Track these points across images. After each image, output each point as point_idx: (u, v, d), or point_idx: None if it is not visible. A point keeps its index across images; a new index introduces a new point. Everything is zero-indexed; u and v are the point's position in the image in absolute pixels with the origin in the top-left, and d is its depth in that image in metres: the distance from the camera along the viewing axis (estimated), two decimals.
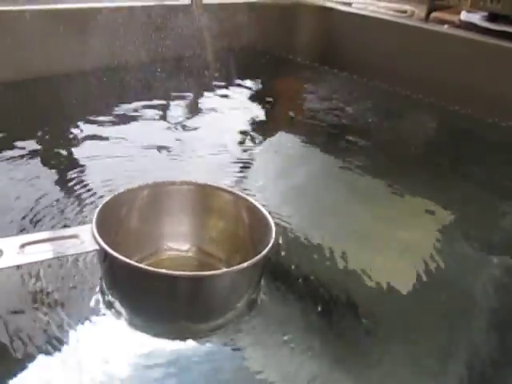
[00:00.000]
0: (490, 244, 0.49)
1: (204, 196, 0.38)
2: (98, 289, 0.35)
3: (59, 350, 0.31)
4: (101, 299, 0.34)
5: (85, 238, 0.31)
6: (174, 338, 0.32)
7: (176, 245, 0.38)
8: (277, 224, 0.35)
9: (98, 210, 0.33)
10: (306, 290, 0.39)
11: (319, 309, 0.37)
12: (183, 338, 0.32)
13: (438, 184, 0.61)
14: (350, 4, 1.07)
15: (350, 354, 0.35)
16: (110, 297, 0.33)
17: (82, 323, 0.33)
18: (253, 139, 0.67)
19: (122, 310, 0.32)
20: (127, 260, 0.29)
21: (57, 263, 0.36)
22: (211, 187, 0.38)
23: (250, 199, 0.37)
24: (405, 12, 1.01)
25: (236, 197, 0.38)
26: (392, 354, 0.35)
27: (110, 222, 0.34)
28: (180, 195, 0.38)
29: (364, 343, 0.36)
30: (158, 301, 0.32)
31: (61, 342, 0.31)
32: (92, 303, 0.34)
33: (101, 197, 0.47)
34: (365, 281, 0.41)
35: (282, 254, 0.42)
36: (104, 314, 0.33)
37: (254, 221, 0.36)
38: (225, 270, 0.34)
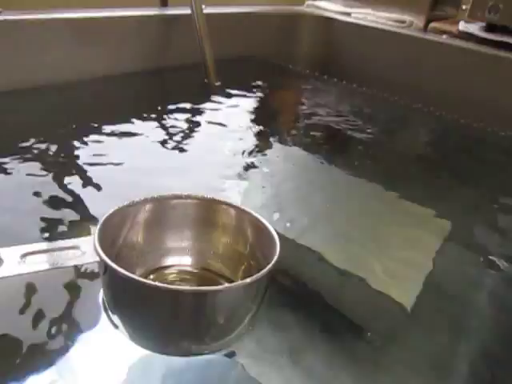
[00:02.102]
0: (489, 253, 0.49)
1: (208, 210, 0.37)
2: (97, 302, 0.35)
3: (55, 364, 0.31)
4: (100, 313, 0.34)
5: (86, 250, 0.31)
6: (174, 355, 0.32)
7: (179, 260, 0.37)
8: (279, 235, 0.35)
9: (100, 222, 0.32)
10: (307, 303, 0.39)
11: (321, 322, 0.37)
12: (184, 358, 0.32)
13: (437, 192, 0.61)
14: (349, 14, 1.08)
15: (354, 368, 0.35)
16: (109, 311, 0.33)
17: (81, 337, 0.33)
18: (253, 148, 0.67)
19: (122, 326, 0.32)
20: (127, 273, 0.29)
21: (57, 274, 0.36)
22: (216, 201, 0.38)
23: (255, 214, 0.36)
24: (403, 22, 1.02)
25: (241, 211, 0.37)
26: (392, 365, 0.35)
27: (113, 235, 0.34)
28: (184, 209, 0.37)
29: (364, 353, 0.36)
30: (159, 317, 0.31)
31: (57, 357, 0.31)
32: (91, 316, 0.34)
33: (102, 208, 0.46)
34: (365, 290, 0.41)
35: (284, 266, 0.42)
36: (103, 328, 0.33)
37: (259, 236, 0.35)
38: (227, 285, 0.33)
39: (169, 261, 0.37)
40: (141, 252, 0.36)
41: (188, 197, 0.37)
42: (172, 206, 0.37)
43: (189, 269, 0.37)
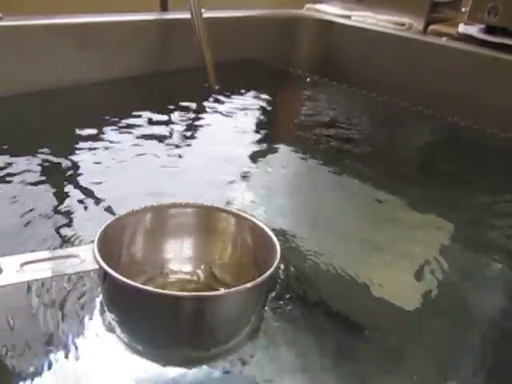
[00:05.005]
0: (489, 254, 0.49)
1: (209, 218, 0.38)
2: (97, 310, 0.35)
3: (54, 373, 0.31)
4: (100, 321, 0.34)
5: (85, 258, 0.31)
6: (174, 364, 0.32)
7: (180, 268, 0.37)
8: (278, 239, 0.35)
9: (100, 230, 0.32)
10: (310, 309, 0.39)
11: (325, 329, 0.37)
12: (184, 365, 0.32)
13: (437, 194, 0.61)
14: (349, 17, 1.08)
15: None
16: (109, 319, 0.33)
17: (80, 345, 0.33)
18: (252, 151, 0.67)
19: (122, 333, 0.32)
20: (126, 280, 0.29)
21: (55, 282, 0.36)
22: (216, 209, 0.38)
23: (256, 220, 0.36)
24: (403, 25, 1.02)
25: (241, 218, 0.37)
26: (396, 365, 0.35)
27: (113, 243, 0.34)
28: (184, 217, 0.37)
29: (368, 355, 0.36)
30: (159, 324, 0.31)
31: (56, 365, 0.31)
32: (90, 325, 0.34)
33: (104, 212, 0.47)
34: (367, 293, 0.41)
35: (285, 271, 0.42)
36: (103, 337, 0.33)
37: (260, 243, 0.35)
38: (227, 290, 0.33)
39: (169, 269, 0.37)
40: (141, 261, 0.36)
41: (188, 205, 0.38)
42: (172, 215, 0.37)
43: (189, 277, 0.37)
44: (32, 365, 0.31)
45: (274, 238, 0.34)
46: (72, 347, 0.32)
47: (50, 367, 0.31)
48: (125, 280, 0.29)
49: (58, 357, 0.32)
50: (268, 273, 0.31)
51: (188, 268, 0.38)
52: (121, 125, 0.68)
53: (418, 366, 0.36)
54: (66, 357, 0.32)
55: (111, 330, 0.33)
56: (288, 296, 0.39)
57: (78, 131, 0.65)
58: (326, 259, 0.45)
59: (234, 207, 0.51)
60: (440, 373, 0.36)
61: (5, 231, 0.43)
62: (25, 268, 0.31)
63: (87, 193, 0.51)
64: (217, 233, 0.38)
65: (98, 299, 0.36)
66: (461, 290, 0.44)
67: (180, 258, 0.38)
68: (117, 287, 0.31)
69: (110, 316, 0.33)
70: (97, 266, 0.31)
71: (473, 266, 0.48)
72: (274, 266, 0.32)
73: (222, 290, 0.34)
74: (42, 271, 0.31)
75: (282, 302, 0.38)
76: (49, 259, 0.31)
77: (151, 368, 0.32)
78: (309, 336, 0.36)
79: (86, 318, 0.35)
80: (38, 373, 0.31)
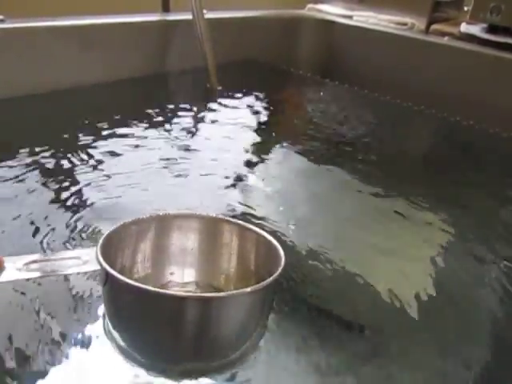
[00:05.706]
0: (491, 254, 0.49)
1: (214, 229, 0.38)
2: (98, 315, 0.35)
3: (51, 374, 0.31)
4: (100, 324, 0.34)
5: (87, 260, 0.31)
6: (176, 376, 0.32)
7: (183, 278, 0.37)
8: (280, 241, 0.35)
9: (104, 235, 0.32)
10: (312, 312, 0.39)
11: (328, 333, 0.37)
12: (186, 377, 0.32)
13: (439, 194, 0.61)
14: (351, 17, 1.08)
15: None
16: (109, 320, 0.33)
17: (79, 348, 0.33)
18: (254, 152, 0.67)
19: (121, 337, 0.32)
20: (128, 280, 0.29)
21: (53, 285, 0.37)
22: (220, 220, 0.38)
23: (261, 231, 0.36)
24: (405, 24, 1.02)
25: (245, 229, 0.37)
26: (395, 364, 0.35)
27: (116, 250, 0.34)
28: (189, 228, 0.37)
29: (369, 354, 0.36)
30: (161, 327, 0.31)
31: (54, 370, 0.31)
32: (90, 331, 0.34)
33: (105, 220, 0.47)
34: (368, 294, 0.41)
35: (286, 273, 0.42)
36: (101, 343, 0.33)
37: (264, 252, 0.35)
38: (231, 291, 0.33)
39: (172, 279, 0.37)
40: (144, 269, 0.36)
41: (193, 215, 0.38)
42: (176, 225, 0.37)
43: (194, 287, 0.37)
44: (27, 367, 0.31)
45: (280, 248, 0.34)
46: (70, 352, 0.32)
47: (41, 378, 0.31)
48: (127, 280, 0.29)
49: (55, 362, 0.32)
50: (272, 277, 0.31)
51: (192, 278, 0.37)
52: (122, 126, 0.68)
53: (419, 366, 0.36)
54: (64, 362, 0.32)
55: (110, 334, 0.33)
56: (290, 299, 0.39)
57: (78, 133, 0.65)
58: (328, 260, 0.45)
59: (236, 210, 0.51)
60: (441, 372, 0.36)
61: (5, 234, 0.43)
62: (27, 268, 0.31)
63: (88, 195, 0.51)
64: (221, 243, 0.38)
65: (99, 302, 0.36)
66: (463, 290, 0.44)
67: (183, 269, 0.37)
68: (118, 288, 0.31)
69: (109, 320, 0.33)
70: (98, 267, 0.31)
71: (474, 266, 0.48)
72: (277, 273, 0.32)
73: (226, 292, 0.34)
74: (44, 271, 0.31)
75: (283, 307, 0.38)
76: (51, 260, 0.31)
77: (150, 379, 0.31)
78: (313, 341, 0.36)
79: (86, 321, 0.35)
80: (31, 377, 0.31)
